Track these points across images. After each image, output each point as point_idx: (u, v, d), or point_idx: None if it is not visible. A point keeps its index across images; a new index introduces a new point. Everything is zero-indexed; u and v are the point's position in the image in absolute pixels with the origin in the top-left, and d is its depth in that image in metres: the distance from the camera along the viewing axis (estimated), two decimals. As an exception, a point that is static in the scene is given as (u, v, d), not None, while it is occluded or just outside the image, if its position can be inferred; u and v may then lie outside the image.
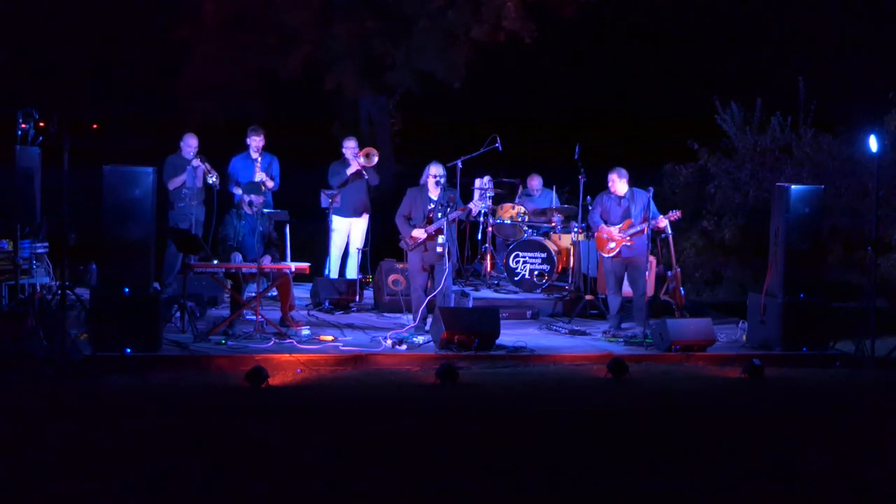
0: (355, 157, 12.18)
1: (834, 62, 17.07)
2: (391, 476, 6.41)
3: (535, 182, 13.53)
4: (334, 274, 12.34)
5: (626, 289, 11.20)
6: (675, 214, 10.91)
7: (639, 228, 10.78)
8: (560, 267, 12.41)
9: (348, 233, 12.42)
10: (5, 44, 15.92)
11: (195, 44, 17.33)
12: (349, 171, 12.15)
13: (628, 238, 10.77)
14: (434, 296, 10.37)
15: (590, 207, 12.24)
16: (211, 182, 11.42)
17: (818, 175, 14.47)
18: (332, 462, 6.68)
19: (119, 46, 16.95)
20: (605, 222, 10.92)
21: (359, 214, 12.38)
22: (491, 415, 8.09)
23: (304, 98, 18.48)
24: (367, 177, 12.21)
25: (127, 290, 9.16)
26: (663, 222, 10.87)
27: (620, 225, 10.82)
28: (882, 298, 11.44)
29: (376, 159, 12.23)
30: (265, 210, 10.74)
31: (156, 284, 9.80)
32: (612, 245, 10.85)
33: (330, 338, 10.14)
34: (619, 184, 10.86)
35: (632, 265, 10.88)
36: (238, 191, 11.34)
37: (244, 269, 10.21)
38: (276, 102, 18.08)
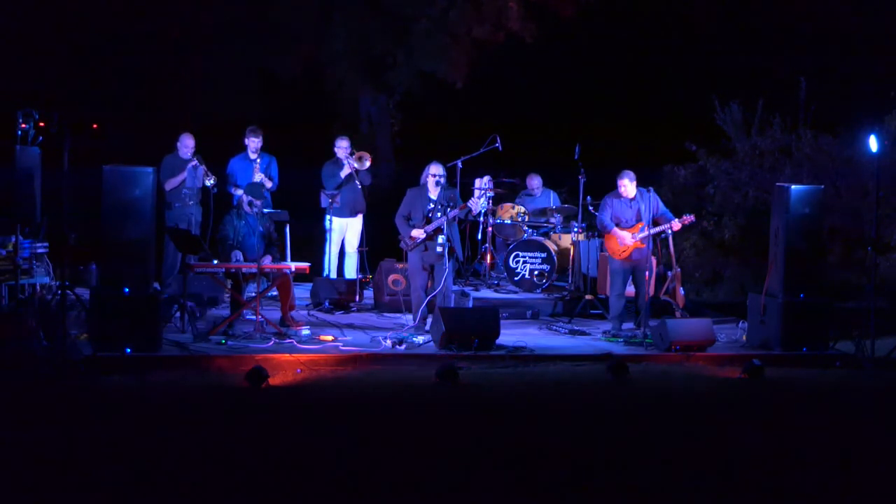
0: (348, 158, 12.18)
1: (834, 62, 17.05)
2: (391, 476, 6.41)
3: (535, 181, 13.52)
4: (332, 274, 12.33)
5: (627, 289, 11.20)
6: (689, 218, 10.88)
7: (651, 232, 10.75)
8: (560, 267, 12.41)
9: (344, 233, 12.42)
10: (5, 44, 15.91)
11: (195, 44, 17.33)
12: (342, 174, 12.15)
13: (640, 241, 10.73)
14: (434, 296, 10.37)
15: (591, 208, 12.25)
16: (209, 185, 11.42)
17: (817, 176, 14.46)
18: (333, 462, 6.68)
19: (119, 46, 16.94)
20: (617, 224, 10.88)
21: (354, 215, 12.37)
22: (491, 415, 8.09)
23: (304, 98, 18.47)
24: (358, 181, 12.19)
25: (127, 290, 9.16)
26: (677, 226, 10.82)
27: (633, 227, 10.76)
28: (882, 298, 11.42)
29: (368, 163, 12.22)
30: (265, 210, 10.73)
31: (156, 284, 9.79)
32: (625, 248, 10.80)
33: (330, 338, 10.14)
34: (629, 188, 10.80)
35: (639, 267, 10.83)
36: (238, 192, 11.34)
37: (244, 269, 10.21)
38: (276, 102, 18.07)
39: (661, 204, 10.92)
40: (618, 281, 11.03)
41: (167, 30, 17.01)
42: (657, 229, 10.82)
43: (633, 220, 10.79)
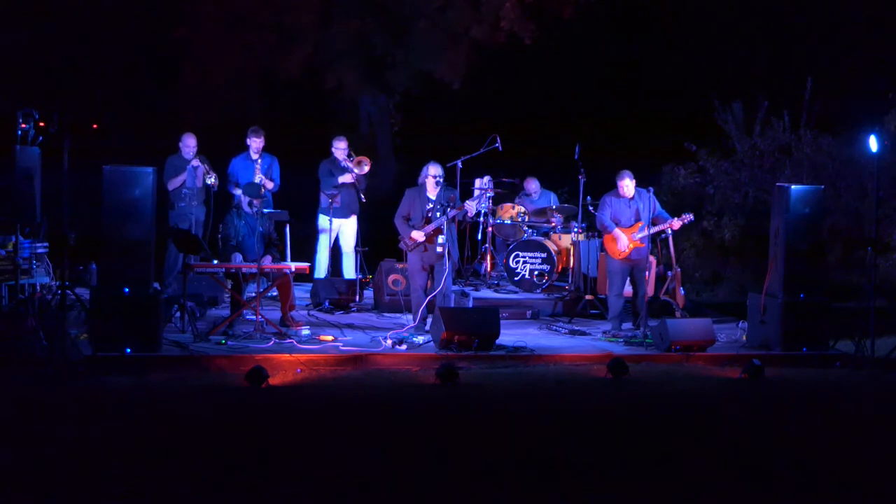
0: (347, 161, 12.15)
1: (834, 62, 17.07)
2: (391, 476, 6.41)
3: (533, 185, 13.51)
4: (321, 274, 12.29)
5: (626, 289, 11.21)
6: (688, 217, 10.92)
7: (651, 231, 10.78)
8: (560, 267, 12.42)
9: (337, 233, 12.40)
10: (5, 44, 15.93)
11: (195, 44, 17.34)
12: (342, 180, 12.14)
13: (639, 240, 10.76)
14: (434, 296, 10.37)
15: (590, 208, 12.26)
16: (209, 183, 11.43)
17: (817, 176, 14.48)
18: (332, 462, 6.68)
19: (119, 46, 16.96)
20: (616, 224, 10.90)
21: (348, 215, 12.36)
22: (491, 415, 8.09)
23: (304, 98, 18.49)
24: (359, 186, 12.21)
25: (127, 290, 9.16)
26: (677, 224, 10.87)
27: (632, 227, 10.80)
28: (882, 298, 11.42)
29: (367, 168, 12.21)
30: (265, 210, 10.73)
31: (156, 284, 9.79)
32: (625, 248, 10.83)
33: (330, 338, 10.14)
34: (629, 188, 10.85)
35: (637, 266, 10.89)
36: (238, 191, 11.34)
37: (244, 269, 10.21)
38: (276, 102, 18.09)
39: (657, 204, 10.96)
40: (617, 280, 11.06)
41: (168, 30, 17.04)
42: (656, 229, 10.86)
43: (632, 219, 10.85)
